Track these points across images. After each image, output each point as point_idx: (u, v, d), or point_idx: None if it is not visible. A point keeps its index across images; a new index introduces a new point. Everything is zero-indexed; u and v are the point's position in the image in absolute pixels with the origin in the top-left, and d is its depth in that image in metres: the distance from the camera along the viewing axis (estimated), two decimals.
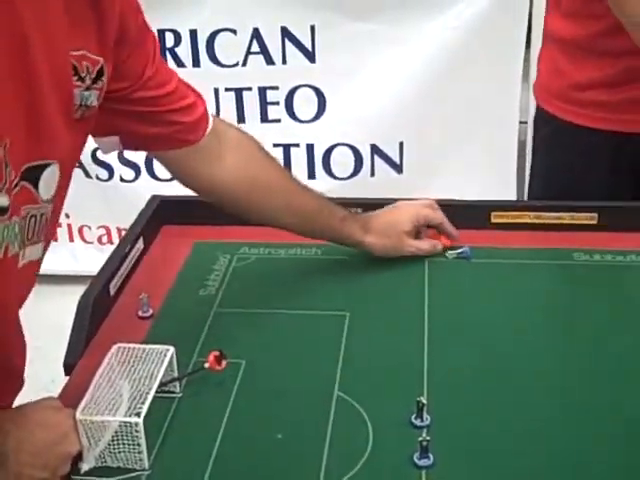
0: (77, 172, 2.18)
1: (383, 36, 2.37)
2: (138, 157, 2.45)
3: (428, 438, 0.86)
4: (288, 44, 2.41)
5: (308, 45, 2.41)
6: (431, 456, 0.86)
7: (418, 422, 0.91)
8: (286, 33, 2.40)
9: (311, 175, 2.54)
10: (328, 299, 1.15)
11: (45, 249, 0.89)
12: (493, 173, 2.52)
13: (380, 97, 2.42)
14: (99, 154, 2.42)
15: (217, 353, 0.98)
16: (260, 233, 1.24)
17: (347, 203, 1.24)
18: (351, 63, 2.39)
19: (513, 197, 2.54)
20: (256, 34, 2.40)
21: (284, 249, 1.27)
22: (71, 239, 2.62)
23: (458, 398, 0.96)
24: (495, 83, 2.40)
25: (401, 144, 2.50)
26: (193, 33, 2.40)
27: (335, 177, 2.55)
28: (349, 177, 2.54)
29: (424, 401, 0.91)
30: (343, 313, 1.12)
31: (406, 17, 2.36)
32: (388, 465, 0.87)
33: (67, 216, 2.58)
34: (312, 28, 2.39)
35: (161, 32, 2.40)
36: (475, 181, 2.45)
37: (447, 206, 1.31)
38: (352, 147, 2.50)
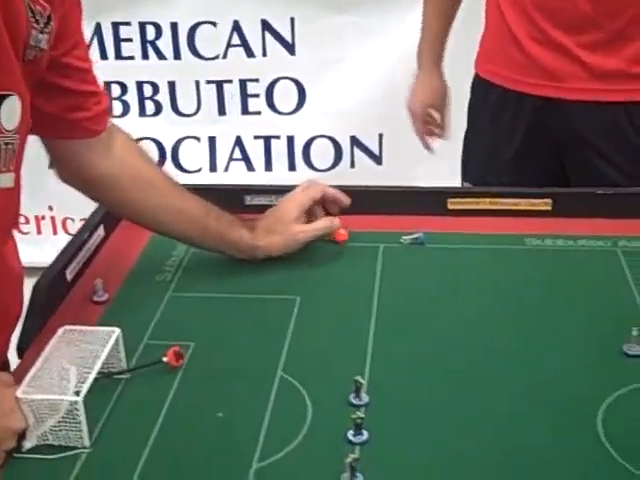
0: None
1: (363, 28, 2.39)
2: None
3: (362, 416, 0.88)
4: (268, 37, 2.43)
5: (288, 38, 2.43)
6: (365, 433, 0.88)
7: (356, 401, 0.93)
8: (266, 26, 2.42)
9: (291, 167, 2.57)
10: (280, 284, 1.17)
11: (17, 183, 0.92)
12: None
13: (359, 89, 2.44)
14: None
15: (177, 349, 1.00)
16: None
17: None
18: (330, 55, 2.41)
19: None
20: (236, 27, 2.42)
21: None
22: (55, 232, 2.65)
23: (398, 380, 0.97)
24: (470, 74, 2.41)
25: (380, 135, 2.53)
26: (174, 26, 2.43)
27: (315, 169, 2.57)
28: (329, 169, 2.57)
29: (362, 381, 0.93)
30: (294, 297, 1.13)
31: (385, 9, 2.38)
32: (324, 442, 0.88)
33: (50, 208, 2.60)
34: (292, 20, 2.41)
35: (142, 25, 2.43)
36: (453, 171, 2.46)
37: (403, 192, 1.33)
38: (332, 139, 2.52)
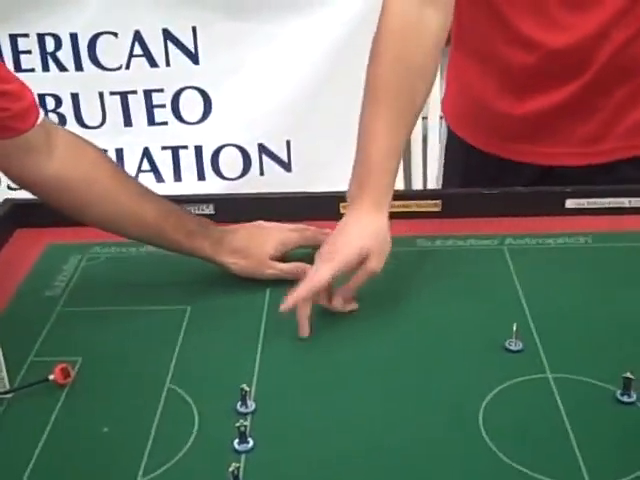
0: None
1: (265, 35, 2.39)
2: None
3: (246, 423, 0.88)
4: (171, 46, 2.41)
5: (190, 46, 2.41)
6: (251, 441, 0.88)
7: (242, 409, 0.93)
8: (168, 35, 2.40)
9: (200, 177, 2.56)
10: (171, 294, 1.17)
11: None
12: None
13: (265, 96, 2.44)
14: None
15: (64, 366, 0.98)
16: None
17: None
18: (234, 63, 2.40)
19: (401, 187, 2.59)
20: (138, 37, 2.39)
21: (135, 247, 1.28)
22: None
23: (284, 387, 0.98)
24: None
25: (288, 142, 2.53)
26: (74, 37, 2.38)
27: (225, 178, 2.56)
28: (238, 177, 2.56)
29: (247, 388, 0.93)
30: (184, 307, 1.13)
31: (289, 14, 2.38)
32: (209, 452, 0.88)
33: None
34: (194, 29, 2.40)
35: (41, 37, 2.38)
36: None
37: (297, 198, 1.34)
38: (240, 147, 2.52)
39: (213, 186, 2.53)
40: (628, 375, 0.93)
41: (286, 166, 2.56)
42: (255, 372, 1.00)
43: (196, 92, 2.45)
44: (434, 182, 2.57)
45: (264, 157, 2.55)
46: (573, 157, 1.34)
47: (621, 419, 0.91)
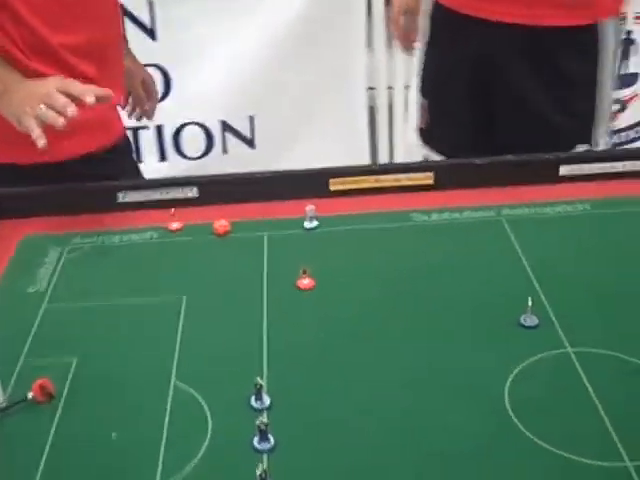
0: None
1: (226, 9, 2.33)
2: None
3: (266, 421, 0.83)
4: (127, 22, 2.32)
5: (147, 22, 2.33)
6: (271, 439, 0.83)
7: (257, 405, 0.88)
8: (123, 11, 2.30)
9: (162, 157, 2.49)
10: (164, 284, 1.11)
11: None
12: (345, 141, 2.51)
13: (226, 72, 2.38)
14: None
15: (43, 382, 0.91)
16: (93, 220, 1.20)
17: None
18: (193, 39, 2.33)
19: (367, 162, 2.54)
20: None
21: (118, 236, 1.22)
22: None
23: (298, 376, 0.93)
24: (340, 51, 2.39)
25: (251, 118, 2.47)
26: None
27: (187, 157, 2.50)
28: (201, 156, 2.50)
29: (261, 382, 0.88)
30: (179, 297, 1.07)
31: None
32: (228, 452, 0.83)
33: None
34: (150, 4, 2.32)
35: None
36: (328, 150, 2.44)
37: (285, 177, 1.29)
38: (202, 125, 2.45)
39: (176, 167, 2.46)
40: None
41: (250, 143, 2.50)
42: (264, 362, 0.95)
43: (154, 69, 2.36)
44: (401, 154, 2.54)
45: (227, 134, 2.48)
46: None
47: None
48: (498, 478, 0.80)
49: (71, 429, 0.87)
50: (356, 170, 1.29)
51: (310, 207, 1.21)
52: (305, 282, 1.08)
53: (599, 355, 0.94)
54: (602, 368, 0.92)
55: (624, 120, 2.60)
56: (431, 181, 1.28)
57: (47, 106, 1.14)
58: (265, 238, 1.19)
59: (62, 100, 1.14)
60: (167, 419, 0.88)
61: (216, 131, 2.46)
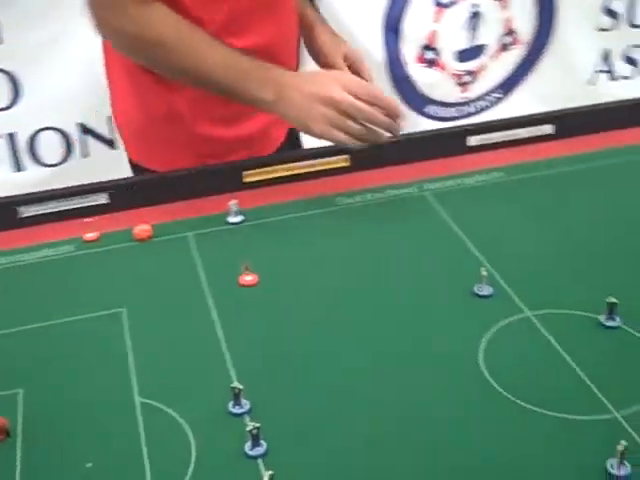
0: None
1: (78, 5, 2.20)
2: None
3: (258, 425, 0.79)
4: None
5: None
6: (263, 443, 0.80)
7: (237, 410, 0.84)
8: None
9: (18, 167, 2.33)
10: (97, 298, 1.03)
11: None
12: None
13: (80, 73, 2.25)
14: None
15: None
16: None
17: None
18: (44, 39, 2.19)
19: None
20: None
21: (29, 253, 1.13)
22: None
23: (269, 375, 0.89)
24: None
25: (109, 119, 2.36)
26: None
27: (46, 165, 2.35)
28: (61, 162, 2.36)
29: (240, 386, 0.84)
30: (118, 310, 1.01)
31: None
32: (219, 465, 0.79)
33: None
34: None
35: None
36: None
37: (199, 173, 1.24)
38: (58, 130, 2.32)
39: (35, 176, 2.32)
40: (612, 300, 0.93)
41: (111, 144, 2.40)
42: (230, 365, 0.91)
43: (1, 75, 2.21)
44: None
45: (86, 137, 2.36)
46: None
47: (616, 344, 0.91)
48: (487, 440, 0.80)
49: (38, 467, 0.80)
50: (270, 160, 1.26)
51: (233, 201, 1.17)
52: (248, 278, 1.04)
53: (558, 315, 0.96)
54: (565, 327, 0.94)
55: (475, 91, 2.69)
56: (347, 163, 1.27)
57: (352, 117, 1.03)
58: (190, 237, 1.14)
59: (380, 118, 1.04)
60: (144, 440, 0.82)
61: (74, 135, 2.34)
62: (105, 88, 2.23)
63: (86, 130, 2.35)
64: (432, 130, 1.32)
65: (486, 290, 1.00)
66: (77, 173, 2.25)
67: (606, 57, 2.77)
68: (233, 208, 1.16)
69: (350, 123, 1.04)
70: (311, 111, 1.05)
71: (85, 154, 2.38)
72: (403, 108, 1.04)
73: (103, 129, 2.37)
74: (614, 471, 0.75)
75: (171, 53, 1.13)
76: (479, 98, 2.75)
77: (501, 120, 1.33)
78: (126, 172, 1.41)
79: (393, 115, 1.05)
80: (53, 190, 1.21)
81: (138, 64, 1.23)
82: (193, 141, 1.29)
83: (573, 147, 1.33)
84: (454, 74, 2.63)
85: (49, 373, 0.92)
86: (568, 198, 1.19)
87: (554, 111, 1.36)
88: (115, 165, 2.02)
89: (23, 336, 0.97)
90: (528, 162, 1.28)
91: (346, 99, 1.03)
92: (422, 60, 2.58)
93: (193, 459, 0.79)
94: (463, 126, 1.31)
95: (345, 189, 1.23)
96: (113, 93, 1.39)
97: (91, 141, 2.37)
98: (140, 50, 1.16)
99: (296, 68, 1.32)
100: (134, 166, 1.40)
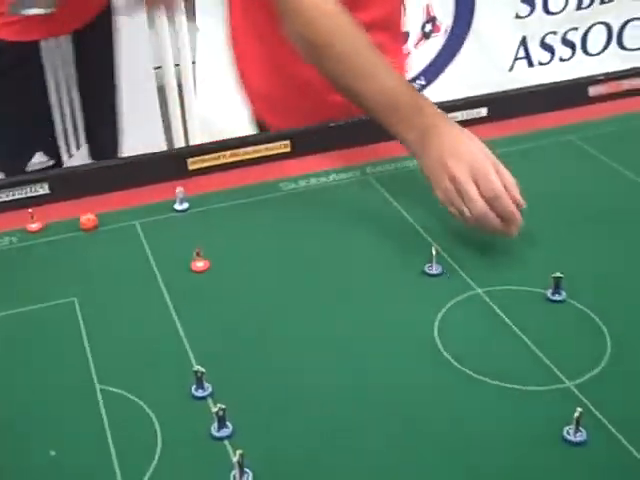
0: None
1: None
2: None
3: (224, 407, 0.80)
4: None
5: None
6: (229, 424, 0.80)
7: (199, 393, 0.85)
8: None
9: None
10: (46, 289, 1.01)
11: None
12: (137, 123, 2.43)
13: None
14: None
15: None
16: None
17: None
18: None
19: (163, 145, 2.49)
20: None
21: None
22: None
23: (227, 358, 0.90)
24: (126, 33, 2.30)
25: None
26: None
27: None
28: None
29: (202, 370, 0.84)
30: (69, 300, 0.99)
31: None
32: (186, 447, 0.79)
33: None
34: None
35: None
36: (123, 133, 2.34)
37: (142, 161, 1.23)
38: None
39: None
40: (557, 275, 0.97)
41: None
42: (188, 349, 0.91)
43: None
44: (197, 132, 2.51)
45: None
46: None
47: (563, 317, 0.95)
48: (449, 416, 0.82)
49: (3, 461, 0.78)
50: (213, 147, 1.25)
51: (180, 189, 1.16)
52: (200, 264, 1.04)
53: (507, 291, 0.99)
54: (514, 302, 0.97)
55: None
56: (288, 149, 1.28)
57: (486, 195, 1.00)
58: (138, 226, 1.13)
59: (489, 221, 1.01)
60: (107, 426, 0.82)
61: None
62: None
63: None
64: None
65: (436, 269, 1.02)
66: None
67: (524, 44, 2.85)
68: (180, 195, 1.16)
69: (464, 208, 1.03)
70: (438, 177, 1.05)
71: None
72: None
73: None
74: (571, 437, 0.78)
75: (336, 64, 1.15)
76: None
77: (440, 103, 1.35)
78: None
79: (506, 219, 1.03)
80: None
81: (274, 34, 1.26)
82: (321, 107, 1.35)
83: (506, 129, 1.36)
84: None
85: (2, 363, 0.90)
86: None
87: (488, 94, 1.40)
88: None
89: None
90: (489, 138, 1.30)
91: (464, 187, 1.02)
92: None
93: (159, 443, 0.79)
94: None
95: (289, 175, 1.24)
96: (242, 56, 1.44)
97: None
98: (308, 54, 1.18)
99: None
100: (257, 123, 1.48)
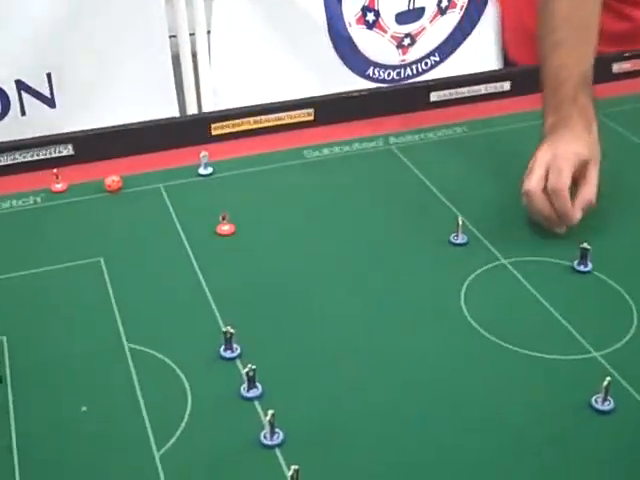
0: None
1: None
2: None
3: (254, 367, 0.80)
4: None
5: None
6: (259, 385, 0.81)
7: (228, 354, 0.85)
8: None
9: None
10: (73, 248, 1.02)
11: None
12: (151, 92, 2.42)
13: (17, 28, 2.19)
14: None
15: None
16: None
17: None
18: None
19: (176, 113, 2.47)
20: None
21: None
22: None
23: (254, 320, 0.90)
24: (139, 3, 2.28)
25: (49, 75, 2.30)
26: None
27: None
28: None
29: (232, 330, 0.85)
30: (96, 259, 1.00)
31: None
32: (216, 407, 0.80)
33: None
34: None
35: None
36: (134, 103, 2.33)
37: (166, 126, 1.23)
38: None
39: None
40: (585, 245, 0.97)
41: (50, 102, 2.34)
42: (215, 311, 0.91)
43: None
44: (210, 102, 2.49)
45: (24, 94, 2.29)
46: None
47: (589, 288, 0.95)
48: (478, 382, 0.82)
49: (32, 410, 0.79)
50: (237, 112, 1.25)
51: (204, 153, 1.16)
52: (225, 228, 1.04)
53: (532, 262, 0.99)
54: (540, 273, 0.97)
55: (415, 53, 2.71)
56: (312, 117, 1.28)
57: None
58: (162, 189, 1.14)
59: (546, 215, 1.02)
60: (137, 384, 0.82)
61: (11, 92, 2.26)
62: (42, 44, 2.18)
63: (24, 87, 2.29)
64: (395, 86, 1.33)
65: (461, 239, 1.02)
66: (12, 132, 2.19)
67: None
68: (204, 160, 1.16)
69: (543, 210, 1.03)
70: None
71: (23, 112, 2.32)
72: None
73: (42, 86, 2.31)
74: (599, 406, 0.79)
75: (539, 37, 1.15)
76: (418, 61, 2.77)
77: (462, 76, 1.35)
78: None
79: (560, 214, 1.02)
80: (14, 141, 1.19)
81: None
82: None
83: (529, 104, 1.36)
84: (393, 37, 2.65)
85: (32, 322, 0.90)
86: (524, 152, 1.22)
87: (512, 68, 1.39)
88: (54, 124, 1.98)
89: (2, 284, 0.95)
90: (487, 117, 1.31)
91: (532, 165, 1.03)
92: (362, 22, 2.58)
93: (189, 402, 0.80)
94: (426, 81, 1.33)
95: (313, 142, 1.24)
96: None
97: (28, 99, 2.31)
98: None
99: None
100: (510, 64, 1.73)
